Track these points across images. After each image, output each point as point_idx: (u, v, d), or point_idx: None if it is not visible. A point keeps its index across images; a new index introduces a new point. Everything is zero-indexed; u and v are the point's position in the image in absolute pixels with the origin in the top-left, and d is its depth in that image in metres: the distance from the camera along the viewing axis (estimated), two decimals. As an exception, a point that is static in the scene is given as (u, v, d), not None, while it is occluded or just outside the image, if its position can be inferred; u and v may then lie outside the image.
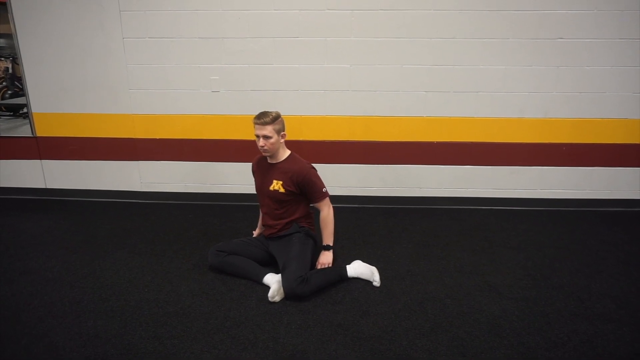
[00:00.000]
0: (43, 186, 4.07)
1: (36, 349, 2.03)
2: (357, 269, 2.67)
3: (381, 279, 2.63)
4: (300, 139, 3.78)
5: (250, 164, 2.93)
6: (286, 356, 1.99)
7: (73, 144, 3.92)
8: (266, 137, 2.55)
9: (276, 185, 2.66)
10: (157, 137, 3.86)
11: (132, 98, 3.75)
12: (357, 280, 2.65)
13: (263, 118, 2.53)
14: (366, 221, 3.59)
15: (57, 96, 3.78)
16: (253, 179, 2.90)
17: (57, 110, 3.83)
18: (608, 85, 3.55)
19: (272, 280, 2.51)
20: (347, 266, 2.68)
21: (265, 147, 2.58)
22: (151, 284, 2.60)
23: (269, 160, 2.72)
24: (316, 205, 2.74)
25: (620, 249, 3.08)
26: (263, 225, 2.87)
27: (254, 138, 3.75)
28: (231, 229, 3.42)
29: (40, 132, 3.91)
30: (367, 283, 2.61)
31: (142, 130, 3.85)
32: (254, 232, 3.14)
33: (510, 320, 2.26)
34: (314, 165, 2.77)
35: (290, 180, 2.63)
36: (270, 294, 2.41)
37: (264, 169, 2.76)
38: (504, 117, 3.67)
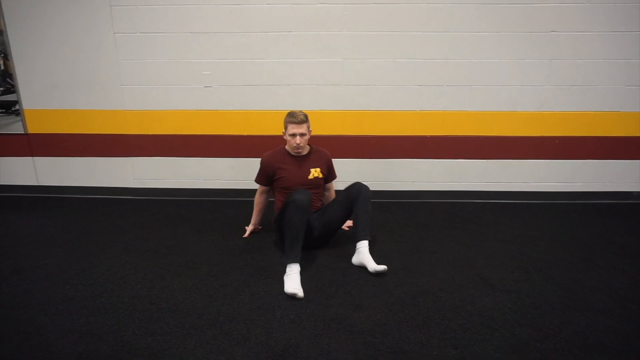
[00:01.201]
0: (35, 183, 4.05)
1: (28, 347, 2.02)
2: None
3: (375, 273, 2.64)
4: (294, 133, 3.77)
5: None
6: (279, 350, 2.00)
7: (65, 141, 3.90)
8: (302, 135, 2.82)
9: (315, 172, 2.96)
10: (150, 133, 3.84)
11: (124, 94, 3.73)
12: (351, 274, 2.65)
13: (298, 117, 2.78)
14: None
15: (48, 92, 3.76)
16: (258, 175, 3.05)
17: (48, 107, 3.81)
18: (600, 78, 3.56)
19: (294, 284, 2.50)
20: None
21: (301, 144, 2.83)
22: (144, 280, 2.59)
23: (299, 154, 2.94)
24: (330, 184, 3.16)
25: (611, 241, 3.10)
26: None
27: (247, 133, 3.78)
28: (224, 224, 3.42)
29: (32, 129, 3.88)
30: (360, 276, 2.62)
31: (135, 126, 3.83)
32: (246, 227, 3.15)
33: (503, 313, 2.27)
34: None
35: (325, 165, 3.03)
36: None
37: (293, 164, 2.93)
38: (497, 110, 3.67)
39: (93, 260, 2.85)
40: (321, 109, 3.70)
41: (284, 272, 2.56)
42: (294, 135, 2.81)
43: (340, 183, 3.88)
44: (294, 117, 2.79)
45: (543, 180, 3.87)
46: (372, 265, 2.63)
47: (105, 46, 3.61)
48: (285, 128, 2.85)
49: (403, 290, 2.49)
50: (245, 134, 3.81)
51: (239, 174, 3.92)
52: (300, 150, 2.91)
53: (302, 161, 2.95)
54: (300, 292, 2.40)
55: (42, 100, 3.78)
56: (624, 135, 3.71)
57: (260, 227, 3.26)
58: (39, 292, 2.48)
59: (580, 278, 2.61)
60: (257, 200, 3.15)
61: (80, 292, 2.48)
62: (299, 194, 2.60)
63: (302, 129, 2.81)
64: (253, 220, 3.20)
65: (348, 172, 3.85)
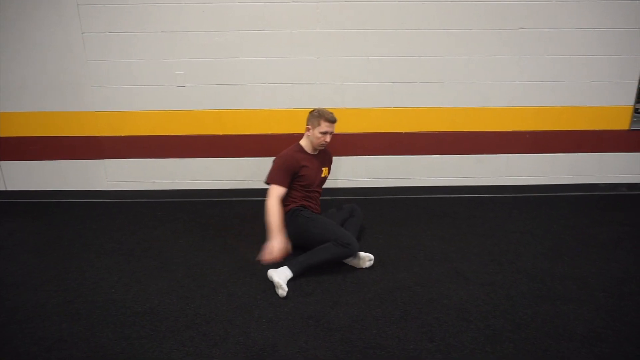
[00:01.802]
0: (3, 188, 3.93)
1: (-2, 356, 1.97)
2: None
3: (352, 269, 2.67)
4: (269, 132, 3.76)
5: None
6: (257, 350, 1.99)
7: (34, 144, 3.79)
8: (331, 134, 2.86)
9: (325, 172, 3.02)
10: (123, 135, 3.77)
11: (95, 95, 3.65)
12: (329, 271, 2.66)
13: (333, 117, 2.82)
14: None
15: (15, 95, 3.65)
16: (278, 175, 2.74)
17: (16, 109, 3.70)
18: (567, 74, 3.66)
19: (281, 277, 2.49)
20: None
21: (328, 142, 2.87)
22: (118, 284, 2.55)
23: (315, 152, 2.93)
24: None
25: (581, 232, 3.20)
26: (309, 207, 2.90)
27: (221, 133, 3.76)
28: (201, 225, 3.38)
29: (-1, 132, 3.77)
30: (338, 274, 2.63)
31: (106, 127, 3.75)
32: (269, 250, 2.53)
33: (477, 305, 2.32)
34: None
35: (330, 165, 3.12)
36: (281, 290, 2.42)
37: (312, 161, 2.90)
38: (470, 106, 3.74)
39: (65, 265, 2.78)
40: (296, 107, 3.70)
41: (266, 269, 2.57)
42: (325, 133, 2.81)
43: (317, 181, 3.90)
44: (329, 116, 2.80)
45: (516, 174, 3.96)
46: (362, 254, 2.70)
47: (73, 46, 3.52)
48: (317, 125, 2.79)
49: (380, 285, 2.51)
50: (220, 133, 3.78)
51: (214, 174, 3.89)
52: (322, 148, 2.94)
53: (317, 159, 2.94)
54: (284, 287, 2.40)
55: (9, 103, 3.67)
56: (591, 129, 3.82)
57: (290, 248, 2.72)
58: (8, 299, 2.41)
59: (551, 269, 2.68)
60: (276, 207, 2.64)
61: (52, 298, 2.42)
62: (356, 244, 2.63)
63: (333, 128, 2.85)
64: (278, 235, 2.55)
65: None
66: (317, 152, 2.96)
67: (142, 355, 1.97)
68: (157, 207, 3.76)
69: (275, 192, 2.69)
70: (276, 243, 2.51)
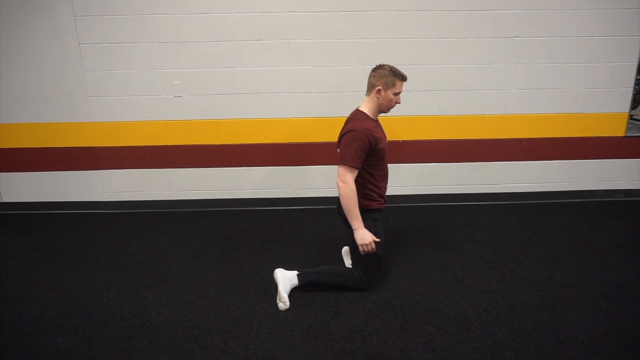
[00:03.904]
0: (-1, 200, 3.91)
1: (-7, 371, 1.94)
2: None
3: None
4: (266, 142, 3.76)
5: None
6: (257, 362, 1.97)
7: (30, 155, 3.77)
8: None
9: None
10: (119, 145, 3.76)
11: (91, 106, 3.64)
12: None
13: (405, 74, 2.43)
14: (334, 222, 3.58)
15: (11, 106, 3.63)
16: (355, 153, 2.33)
17: (12, 121, 3.68)
18: (562, 81, 3.68)
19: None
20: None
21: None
22: (116, 297, 2.52)
23: (378, 118, 2.54)
24: None
25: (579, 239, 3.20)
26: (382, 197, 2.54)
27: (219, 142, 3.75)
28: (198, 235, 3.36)
29: (-6, 144, 3.75)
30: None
31: (103, 138, 3.74)
32: (369, 235, 2.35)
33: (478, 314, 2.31)
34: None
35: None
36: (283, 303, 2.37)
37: (381, 130, 2.50)
38: (466, 114, 3.75)
39: (61, 277, 2.75)
40: (293, 116, 3.70)
41: (266, 280, 2.55)
42: (398, 93, 2.42)
43: (311, 190, 3.89)
44: (403, 74, 2.42)
45: (512, 182, 3.97)
46: None
47: (70, 57, 3.52)
48: (391, 85, 2.37)
49: (380, 295, 2.50)
50: (217, 143, 3.77)
51: (212, 184, 3.87)
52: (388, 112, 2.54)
53: (381, 126, 2.54)
54: (285, 298, 2.37)
55: (5, 114, 3.65)
56: (587, 135, 3.84)
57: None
58: (3, 313, 2.37)
59: (550, 276, 2.68)
60: (355, 193, 2.33)
61: (48, 311, 2.39)
62: (372, 286, 2.51)
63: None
64: (360, 220, 2.35)
65: (320, 179, 3.86)
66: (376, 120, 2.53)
67: (140, 369, 1.94)
68: (154, 218, 3.73)
69: (351, 175, 2.31)
70: (366, 234, 2.31)
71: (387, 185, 2.57)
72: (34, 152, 3.77)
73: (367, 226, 2.36)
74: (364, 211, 2.40)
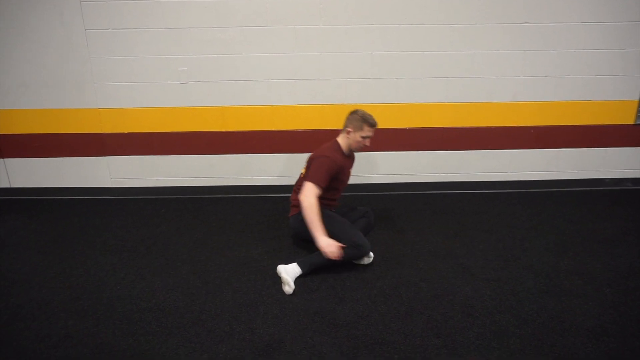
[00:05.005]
0: (7, 186, 3.94)
1: (3, 354, 1.97)
2: None
3: (356, 265, 2.66)
4: (272, 129, 3.75)
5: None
6: (262, 346, 1.99)
7: (38, 141, 3.79)
8: (370, 138, 2.80)
9: (350, 174, 2.97)
10: (126, 132, 3.77)
11: (98, 92, 3.65)
12: (333, 267, 2.65)
13: (375, 121, 2.76)
14: (341, 209, 3.59)
15: (17, 92, 3.64)
16: (322, 176, 2.64)
17: (18, 107, 3.69)
18: (571, 68, 3.63)
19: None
20: None
21: (367, 147, 2.82)
22: (124, 281, 2.55)
23: (348, 154, 2.88)
24: None
25: (586, 227, 3.18)
26: (333, 201, 2.92)
27: (225, 129, 3.75)
28: (204, 222, 3.38)
29: (2, 130, 3.77)
30: (343, 270, 2.62)
31: (110, 124, 3.75)
32: (325, 246, 2.49)
33: (483, 301, 2.31)
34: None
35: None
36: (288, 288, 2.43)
37: (346, 163, 2.86)
38: (474, 101, 3.72)
39: (69, 262, 2.79)
40: (299, 103, 3.69)
41: (271, 266, 2.57)
42: (366, 137, 2.75)
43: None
44: (372, 121, 2.74)
45: (520, 170, 3.94)
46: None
47: (76, 43, 3.51)
48: (359, 128, 2.71)
49: (385, 281, 2.51)
50: (223, 130, 3.77)
51: (218, 171, 3.89)
52: (357, 151, 2.90)
53: (349, 160, 2.92)
54: (291, 284, 2.40)
55: (11, 100, 3.67)
56: (595, 123, 3.80)
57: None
58: (13, 296, 2.41)
59: (556, 264, 2.67)
60: (318, 207, 2.56)
61: (58, 295, 2.42)
62: (368, 245, 2.62)
63: (374, 132, 2.79)
64: (321, 231, 2.53)
65: (328, 166, 3.85)
66: (349, 154, 2.90)
67: (148, 352, 1.97)
68: (160, 204, 3.75)
69: (315, 192, 2.58)
70: (329, 241, 2.47)
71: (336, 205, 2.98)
72: (41, 138, 3.79)
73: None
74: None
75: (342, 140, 2.82)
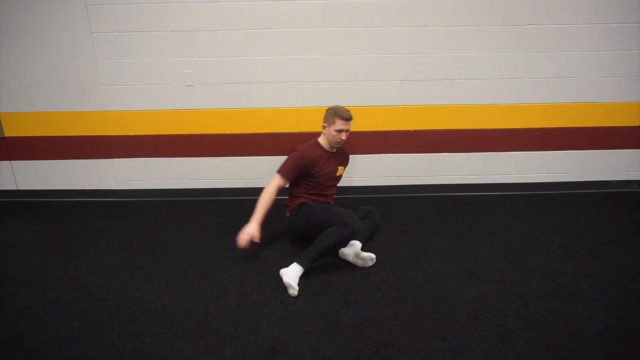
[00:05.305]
0: (14, 187, 3.96)
1: (9, 354, 1.98)
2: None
3: (360, 268, 2.66)
4: (276, 131, 3.76)
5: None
6: (267, 348, 1.99)
7: (44, 144, 3.82)
8: (347, 131, 2.89)
9: (341, 170, 3.07)
10: (131, 134, 3.78)
11: (103, 94, 3.67)
12: (338, 270, 2.66)
13: (348, 114, 2.84)
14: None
15: (24, 95, 3.67)
16: (287, 168, 2.82)
17: (25, 109, 3.72)
18: (576, 70, 3.62)
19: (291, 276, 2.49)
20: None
21: (344, 140, 2.91)
22: (129, 283, 2.56)
23: (333, 150, 2.99)
24: None
25: (591, 230, 3.17)
26: (326, 203, 2.98)
27: (229, 132, 3.76)
28: (209, 224, 3.39)
29: (9, 132, 3.79)
30: (347, 272, 2.63)
31: (115, 126, 3.76)
32: (246, 234, 2.66)
33: (488, 303, 2.31)
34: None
35: (347, 164, 3.18)
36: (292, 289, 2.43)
37: (327, 159, 2.95)
38: (478, 103, 3.71)
39: (75, 263, 2.80)
40: (303, 105, 3.69)
41: (275, 268, 2.57)
42: (340, 131, 2.85)
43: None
44: (344, 113, 2.82)
45: (525, 172, 3.93)
46: (364, 254, 2.68)
47: (82, 46, 3.54)
48: (332, 122, 2.85)
49: (389, 284, 2.50)
50: (228, 132, 3.78)
51: (223, 173, 3.89)
52: (338, 146, 2.99)
53: (334, 157, 3.00)
54: (295, 286, 2.40)
55: (18, 103, 3.69)
56: (601, 125, 3.79)
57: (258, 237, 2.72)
58: (19, 297, 2.42)
59: (562, 267, 2.66)
60: (270, 197, 2.74)
61: (63, 296, 2.43)
62: (357, 223, 2.62)
63: (349, 125, 2.87)
64: (259, 219, 2.70)
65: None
66: (334, 150, 3.00)
67: (153, 354, 1.97)
68: (165, 206, 3.77)
69: (276, 182, 2.80)
70: (249, 228, 2.66)
71: (329, 201, 3.02)
72: (47, 141, 3.81)
73: (304, 211, 2.83)
74: (301, 204, 2.87)
75: (322, 137, 2.98)
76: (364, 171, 3.89)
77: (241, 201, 3.85)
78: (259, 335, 2.08)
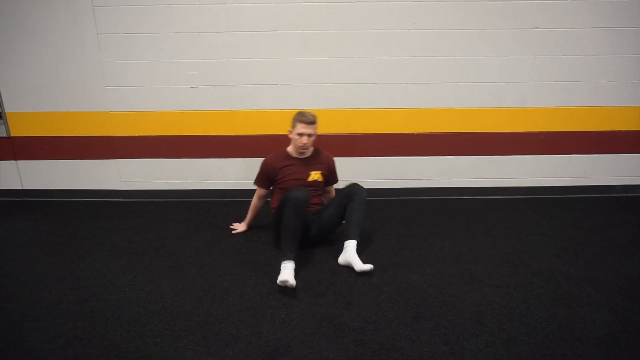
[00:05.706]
0: (19, 187, 3.98)
1: (12, 354, 1.99)
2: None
3: (360, 272, 2.65)
4: (280, 133, 3.76)
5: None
6: (269, 351, 1.99)
7: (49, 144, 3.84)
8: (310, 135, 2.86)
9: (315, 175, 2.99)
10: (136, 135, 3.80)
11: (109, 95, 3.68)
12: (340, 272, 2.65)
13: (309, 117, 2.83)
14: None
15: (30, 95, 3.69)
16: (258, 177, 3.07)
17: (31, 110, 3.74)
18: (582, 74, 3.61)
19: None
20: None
21: (307, 144, 2.88)
22: (132, 283, 2.57)
23: (302, 156, 2.97)
24: (330, 187, 3.19)
25: (596, 234, 3.15)
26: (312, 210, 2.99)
27: (234, 133, 3.77)
28: (213, 225, 3.39)
29: (15, 132, 3.81)
30: (350, 275, 2.62)
31: (120, 127, 3.78)
32: (236, 224, 3.29)
33: (491, 307, 2.30)
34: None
35: (327, 169, 3.06)
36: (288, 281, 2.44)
37: (294, 165, 2.96)
38: (483, 107, 3.70)
39: (79, 264, 2.81)
40: (308, 108, 3.68)
41: (278, 270, 2.55)
42: (301, 134, 2.84)
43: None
44: (304, 117, 2.82)
45: (529, 176, 3.92)
46: (359, 265, 2.62)
47: (88, 47, 3.56)
48: (294, 126, 2.87)
49: (392, 287, 2.50)
50: (232, 134, 3.79)
51: (226, 174, 3.90)
52: (304, 151, 2.95)
53: (304, 163, 2.98)
54: (291, 280, 2.41)
55: (25, 103, 3.72)
56: (606, 129, 3.77)
57: (248, 229, 3.28)
58: (22, 297, 2.43)
59: (566, 271, 2.64)
60: (255, 204, 3.17)
61: (67, 296, 2.44)
62: (296, 191, 2.61)
63: (311, 129, 2.84)
64: (247, 220, 3.26)
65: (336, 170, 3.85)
66: (303, 155, 2.98)
67: (156, 354, 1.98)
68: (169, 207, 3.78)
69: (256, 192, 3.11)
70: (240, 227, 3.25)
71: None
72: (52, 141, 3.83)
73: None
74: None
75: (291, 144, 2.99)
76: (367, 173, 3.88)
77: (245, 202, 3.84)
78: (261, 337, 2.08)
